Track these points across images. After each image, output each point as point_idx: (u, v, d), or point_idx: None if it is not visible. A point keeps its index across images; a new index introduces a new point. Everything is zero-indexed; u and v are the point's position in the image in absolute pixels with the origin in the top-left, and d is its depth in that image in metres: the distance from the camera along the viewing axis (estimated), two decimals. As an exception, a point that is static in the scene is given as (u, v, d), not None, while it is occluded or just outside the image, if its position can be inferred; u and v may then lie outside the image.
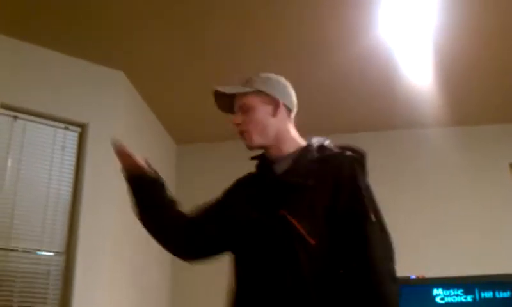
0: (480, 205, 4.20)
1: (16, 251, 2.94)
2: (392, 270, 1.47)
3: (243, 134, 1.62)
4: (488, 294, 3.48)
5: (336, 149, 1.59)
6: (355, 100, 4.02)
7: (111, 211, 3.33)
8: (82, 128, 3.35)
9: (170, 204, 1.77)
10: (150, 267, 3.92)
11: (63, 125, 3.28)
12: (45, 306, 2.96)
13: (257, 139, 1.60)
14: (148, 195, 1.77)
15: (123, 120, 3.60)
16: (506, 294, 3.47)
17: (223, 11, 2.98)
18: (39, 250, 3.02)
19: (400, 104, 4.07)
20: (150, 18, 3.03)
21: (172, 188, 4.48)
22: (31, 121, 3.16)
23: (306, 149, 1.59)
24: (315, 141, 1.63)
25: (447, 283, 3.55)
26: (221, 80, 3.63)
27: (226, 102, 1.66)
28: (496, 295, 3.47)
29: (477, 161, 4.34)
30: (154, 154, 4.26)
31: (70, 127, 3.31)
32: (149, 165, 1.83)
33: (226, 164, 4.01)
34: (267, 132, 1.61)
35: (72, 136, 3.31)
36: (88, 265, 3.09)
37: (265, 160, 1.65)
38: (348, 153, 1.55)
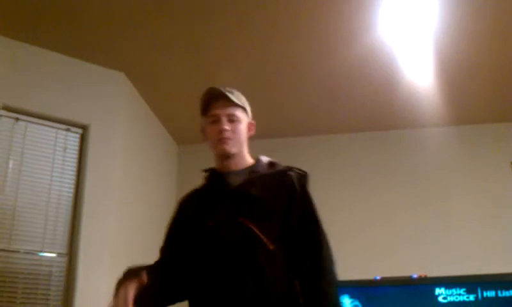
0: (482, 204, 4.19)
1: (18, 252, 2.94)
2: (335, 270, 1.61)
3: (226, 140, 1.70)
4: (490, 293, 3.48)
5: (284, 167, 1.74)
6: (355, 99, 4.02)
7: (113, 212, 3.33)
8: (84, 129, 3.36)
9: (159, 284, 1.72)
10: (152, 267, 3.91)
11: (64, 127, 3.28)
12: (48, 307, 2.97)
13: (235, 148, 1.72)
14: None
15: (124, 121, 3.60)
16: (509, 293, 3.46)
17: (224, 13, 2.97)
18: (41, 251, 3.02)
19: (401, 104, 4.07)
20: (151, 20, 3.04)
21: (173, 189, 4.50)
22: (33, 122, 3.16)
23: (258, 164, 1.75)
24: (264, 158, 1.78)
25: (449, 282, 3.55)
26: (221, 81, 3.64)
27: (211, 102, 1.75)
28: (499, 294, 3.47)
29: (478, 160, 4.34)
30: (155, 155, 4.27)
31: (72, 129, 3.31)
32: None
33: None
34: (242, 144, 1.76)
35: (73, 137, 3.31)
36: (90, 266, 3.09)
37: (215, 174, 1.77)
38: (296, 170, 1.72)
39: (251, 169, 1.72)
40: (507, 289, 3.48)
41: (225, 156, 1.72)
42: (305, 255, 1.57)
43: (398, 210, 4.20)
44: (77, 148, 3.31)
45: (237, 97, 1.76)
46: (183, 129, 4.49)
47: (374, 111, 4.22)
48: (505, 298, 3.46)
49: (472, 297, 3.49)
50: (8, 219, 2.94)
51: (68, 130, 3.29)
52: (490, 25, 3.15)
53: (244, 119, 1.77)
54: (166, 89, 3.84)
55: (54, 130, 3.24)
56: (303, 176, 1.71)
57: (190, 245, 1.67)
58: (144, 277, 1.60)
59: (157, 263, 1.79)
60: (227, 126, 1.70)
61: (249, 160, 1.78)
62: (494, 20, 3.09)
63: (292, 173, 1.70)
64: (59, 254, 3.07)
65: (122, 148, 3.54)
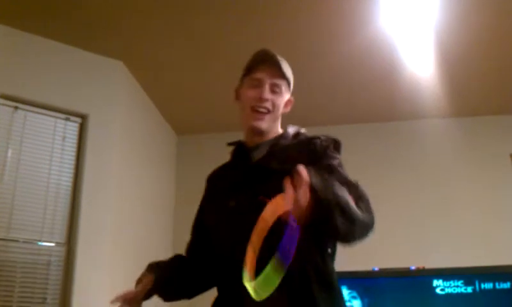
0: (481, 196, 4.20)
1: (17, 241, 2.94)
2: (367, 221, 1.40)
3: (261, 115, 1.56)
4: (488, 285, 3.49)
5: (311, 135, 1.60)
6: (356, 91, 4.01)
7: (111, 201, 3.33)
8: (83, 118, 3.35)
9: (180, 273, 1.69)
10: (150, 257, 3.92)
11: (63, 116, 3.27)
12: (46, 296, 2.97)
13: (269, 124, 1.58)
14: (167, 291, 1.68)
15: (123, 111, 3.59)
16: (506, 285, 3.47)
17: (225, 4, 2.96)
18: (39, 240, 3.03)
19: (402, 95, 4.06)
20: (150, 8, 3.02)
21: (172, 179, 4.50)
22: (32, 111, 3.15)
23: (282, 136, 1.60)
24: (291, 129, 1.64)
25: (447, 274, 3.56)
26: (221, 71, 3.63)
27: (258, 64, 1.59)
28: (497, 286, 3.48)
29: (478, 152, 4.34)
30: (154, 144, 4.26)
31: (71, 118, 3.30)
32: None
33: (227, 154, 4.00)
34: (276, 120, 1.62)
35: (72, 126, 3.31)
36: (89, 255, 3.10)
37: (241, 147, 1.64)
38: (323, 137, 1.56)
39: (275, 141, 1.57)
40: (505, 281, 3.49)
41: (255, 132, 1.57)
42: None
43: (397, 202, 4.20)
44: (75, 137, 3.30)
45: (286, 68, 1.61)
46: (182, 119, 4.48)
47: (375, 103, 4.22)
48: (502, 290, 3.47)
49: (469, 289, 3.50)
50: (6, 208, 2.94)
51: (67, 119, 3.28)
52: (492, 17, 3.13)
53: (286, 93, 1.63)
54: (165, 79, 3.83)
55: (53, 119, 3.23)
56: (328, 143, 1.55)
57: (214, 228, 1.58)
58: (149, 279, 1.59)
59: (187, 250, 1.74)
60: (268, 96, 1.55)
61: (276, 133, 1.63)
62: (496, 11, 3.08)
63: (316, 141, 1.54)
64: (57, 243, 3.08)
65: (121, 138, 3.54)
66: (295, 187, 1.14)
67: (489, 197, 4.19)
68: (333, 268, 1.47)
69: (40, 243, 3.03)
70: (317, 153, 1.50)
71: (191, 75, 3.72)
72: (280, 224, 1.21)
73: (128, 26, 3.18)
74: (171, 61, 3.56)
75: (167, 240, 4.25)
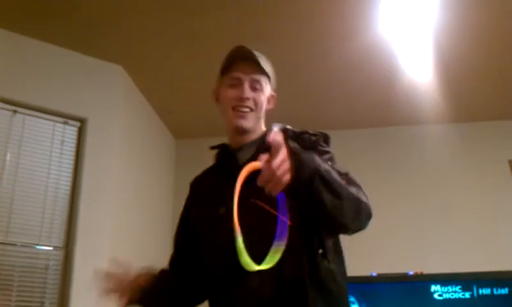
0: (480, 202, 4.20)
1: (15, 245, 2.94)
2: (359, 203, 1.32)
3: (243, 115, 1.48)
4: (486, 291, 3.49)
5: (299, 133, 1.51)
6: (355, 96, 4.01)
7: (110, 205, 3.33)
8: (82, 122, 3.35)
9: (168, 288, 1.65)
10: (148, 260, 3.92)
11: (62, 120, 3.27)
12: (44, 300, 2.96)
13: (253, 122, 1.50)
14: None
15: (122, 115, 3.59)
16: (504, 291, 3.47)
17: (223, 6, 2.97)
18: (37, 244, 3.02)
19: (400, 101, 4.07)
20: (149, 13, 3.03)
21: (171, 183, 4.49)
22: (30, 115, 3.15)
23: (267, 135, 1.43)
24: (276, 127, 1.52)
25: (445, 279, 3.56)
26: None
27: (235, 62, 1.53)
28: (495, 291, 3.48)
29: (477, 158, 4.34)
30: (153, 148, 4.26)
31: (69, 121, 3.30)
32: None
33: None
34: (260, 119, 1.55)
35: (71, 130, 3.31)
36: (87, 259, 3.09)
37: (226, 150, 1.57)
38: (311, 132, 1.49)
39: (261, 141, 1.48)
40: (503, 287, 3.49)
41: (239, 131, 1.50)
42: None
43: (395, 207, 4.20)
44: (74, 141, 3.30)
45: (265, 63, 1.52)
46: (181, 123, 4.48)
47: (373, 108, 4.22)
48: (500, 296, 3.47)
49: (467, 295, 3.50)
50: (4, 211, 2.94)
51: (65, 123, 3.29)
52: (490, 22, 3.14)
53: (267, 89, 1.54)
54: (164, 83, 3.83)
55: (52, 123, 3.23)
56: (317, 137, 1.47)
57: (204, 237, 1.49)
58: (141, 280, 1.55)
59: (170, 263, 1.70)
60: (249, 94, 1.48)
61: (261, 132, 1.55)
62: (494, 16, 3.09)
63: (305, 136, 1.46)
64: (55, 247, 3.07)
65: (120, 142, 3.53)
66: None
67: (487, 203, 4.19)
68: (330, 270, 1.36)
69: (38, 247, 3.02)
70: (307, 149, 1.36)
71: (190, 79, 3.73)
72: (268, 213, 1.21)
73: (128, 31, 3.19)
74: (170, 65, 3.56)
75: (165, 244, 4.24)
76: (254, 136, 1.51)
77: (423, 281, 3.60)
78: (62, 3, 2.91)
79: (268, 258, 1.12)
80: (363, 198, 1.32)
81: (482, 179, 4.27)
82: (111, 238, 3.29)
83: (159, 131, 4.42)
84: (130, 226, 3.60)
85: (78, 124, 3.34)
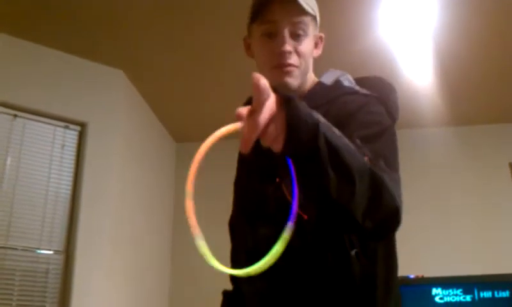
0: (480, 205, 4.20)
1: (16, 249, 2.94)
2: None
3: (289, 71, 1.16)
4: (487, 294, 3.48)
5: (352, 88, 1.25)
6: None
7: (110, 210, 3.33)
8: (82, 126, 3.35)
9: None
10: (148, 265, 3.92)
11: (62, 124, 3.28)
12: (44, 305, 2.96)
13: (300, 79, 1.20)
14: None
15: (123, 119, 3.60)
16: (505, 294, 3.47)
17: (223, 13, 2.97)
18: (38, 248, 3.02)
19: (400, 104, 4.06)
20: (149, 17, 3.03)
21: (171, 187, 4.49)
22: (31, 119, 3.16)
23: (314, 91, 1.24)
24: (328, 77, 1.29)
25: (446, 282, 3.55)
26: (220, 79, 3.64)
27: (266, 3, 1.17)
28: (496, 295, 3.47)
29: (477, 161, 4.34)
30: (154, 152, 4.27)
31: (70, 126, 3.31)
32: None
33: (226, 163, 4.00)
34: (309, 70, 1.25)
35: (71, 135, 3.31)
36: (87, 264, 3.09)
37: None
38: (363, 92, 1.21)
39: (306, 99, 1.10)
40: (504, 289, 3.48)
41: (287, 89, 1.18)
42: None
43: (396, 210, 4.20)
44: (75, 145, 3.31)
45: None
46: (181, 127, 4.48)
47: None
48: (501, 298, 3.47)
49: (468, 298, 3.49)
50: (5, 215, 2.94)
51: (66, 127, 3.29)
52: (489, 26, 3.15)
53: (313, 32, 1.23)
54: (164, 87, 3.84)
55: (52, 127, 3.24)
56: (371, 99, 1.20)
57: (239, 214, 1.28)
58: None
59: (229, 223, 1.39)
60: (290, 47, 1.15)
61: (310, 83, 1.27)
62: (493, 21, 3.09)
63: (354, 98, 1.18)
64: (56, 251, 3.07)
65: (120, 146, 3.54)
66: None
67: (488, 206, 4.19)
68: (368, 274, 1.11)
69: (38, 251, 3.02)
70: (350, 117, 1.09)
71: (190, 83, 3.73)
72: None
73: (128, 35, 3.19)
74: (171, 69, 3.57)
75: (166, 248, 4.25)
76: (300, 91, 1.22)
77: (424, 285, 3.59)
78: (63, 8, 2.92)
79: (266, 258, 0.83)
80: (390, 185, 0.97)
81: (483, 182, 4.27)
82: (111, 242, 3.29)
83: (160, 135, 4.43)
84: (130, 230, 3.60)
85: (79, 128, 3.34)
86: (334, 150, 0.83)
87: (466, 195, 4.26)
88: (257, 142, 0.83)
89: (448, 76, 3.67)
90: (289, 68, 1.16)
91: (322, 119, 0.85)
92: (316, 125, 0.81)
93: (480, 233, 4.08)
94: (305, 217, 1.02)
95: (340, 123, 0.99)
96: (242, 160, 1.35)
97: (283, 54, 1.15)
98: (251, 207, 1.19)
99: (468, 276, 3.59)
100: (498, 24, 3.13)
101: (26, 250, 2.98)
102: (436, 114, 4.21)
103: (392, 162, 1.10)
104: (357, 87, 1.24)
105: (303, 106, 0.82)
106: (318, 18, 1.26)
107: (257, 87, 0.73)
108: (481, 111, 4.24)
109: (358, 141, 0.98)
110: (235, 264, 1.27)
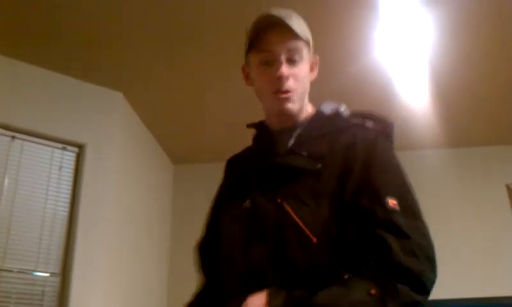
0: (479, 227, 4.19)
1: (12, 271, 2.92)
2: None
3: (288, 97, 1.21)
4: (485, 316, 3.47)
5: (354, 120, 1.27)
6: (352, 121, 4.03)
7: (107, 233, 3.32)
8: (80, 148, 3.36)
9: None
10: (145, 289, 3.89)
11: (60, 145, 3.28)
12: (40, 328, 2.93)
13: (298, 104, 1.24)
14: None
15: (121, 141, 3.60)
16: (504, 317, 3.45)
17: (222, 37, 3.00)
18: (34, 271, 3.00)
19: (397, 126, 4.06)
20: (148, 40, 3.06)
21: (169, 208, 4.49)
22: (29, 140, 3.16)
23: (315, 119, 1.28)
24: (328, 107, 1.31)
25: (448, 304, 3.54)
26: (218, 102, 3.66)
27: (262, 33, 1.22)
28: (494, 317, 3.46)
29: (474, 183, 4.35)
30: (151, 174, 4.27)
31: (68, 147, 3.31)
32: None
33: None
34: (305, 94, 1.29)
35: (69, 156, 3.31)
36: (84, 286, 3.07)
37: (265, 131, 1.32)
38: (369, 123, 1.26)
39: (304, 128, 1.25)
40: (503, 312, 3.47)
41: (287, 114, 1.24)
42: (367, 252, 1.05)
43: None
44: (72, 166, 3.31)
45: (299, 25, 1.22)
46: (179, 149, 4.49)
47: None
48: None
49: (468, 320, 3.47)
50: (1, 237, 2.92)
51: (64, 148, 3.29)
52: (485, 48, 3.18)
53: (307, 56, 1.27)
54: (162, 109, 3.85)
55: (50, 148, 3.24)
56: (377, 132, 1.24)
57: (226, 228, 1.27)
58: None
59: (199, 246, 1.40)
60: (287, 70, 1.20)
61: (307, 111, 1.30)
62: (489, 43, 3.13)
63: (358, 130, 1.21)
64: (52, 274, 3.05)
65: (118, 168, 3.54)
66: None
67: (485, 228, 4.18)
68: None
69: (34, 273, 3.00)
70: (355, 152, 1.15)
71: (188, 105, 3.75)
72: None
73: (128, 58, 3.22)
74: (169, 92, 3.59)
75: (163, 270, 4.22)
76: (297, 118, 1.27)
77: (423, 307, 3.57)
78: (61, 29, 2.95)
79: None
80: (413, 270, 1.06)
81: (480, 204, 4.27)
82: (108, 264, 3.27)
83: (157, 156, 4.43)
84: (127, 252, 3.58)
85: (76, 150, 3.35)
86: None
87: (463, 216, 4.25)
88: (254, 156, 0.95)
89: (444, 98, 3.70)
90: (288, 95, 1.21)
91: None
92: None
93: (479, 255, 4.07)
94: (314, 240, 1.05)
95: (348, 163, 1.12)
96: (229, 184, 1.40)
97: (280, 80, 1.19)
98: (244, 226, 1.20)
99: (467, 299, 3.58)
100: (494, 47, 3.16)
101: (22, 272, 2.96)
102: (433, 136, 4.22)
103: (417, 210, 1.19)
104: (359, 119, 1.28)
105: None
106: (311, 43, 1.30)
107: None
108: (477, 133, 4.26)
109: (388, 206, 1.11)
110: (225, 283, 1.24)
